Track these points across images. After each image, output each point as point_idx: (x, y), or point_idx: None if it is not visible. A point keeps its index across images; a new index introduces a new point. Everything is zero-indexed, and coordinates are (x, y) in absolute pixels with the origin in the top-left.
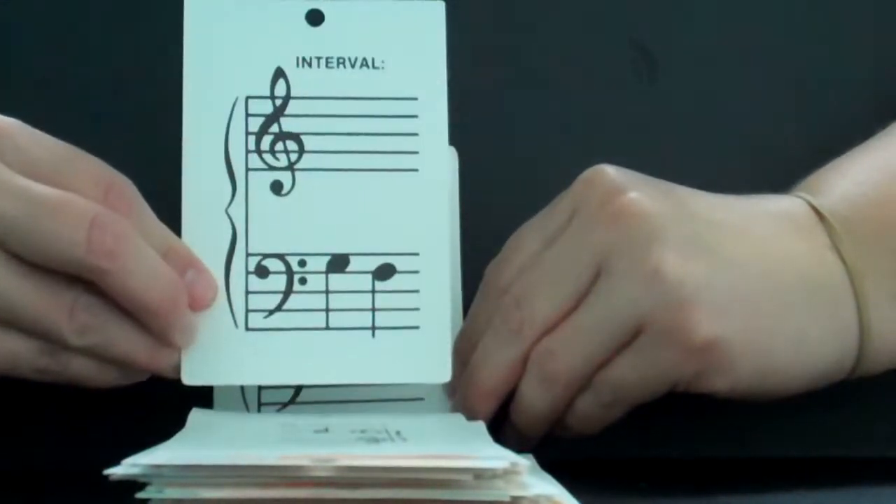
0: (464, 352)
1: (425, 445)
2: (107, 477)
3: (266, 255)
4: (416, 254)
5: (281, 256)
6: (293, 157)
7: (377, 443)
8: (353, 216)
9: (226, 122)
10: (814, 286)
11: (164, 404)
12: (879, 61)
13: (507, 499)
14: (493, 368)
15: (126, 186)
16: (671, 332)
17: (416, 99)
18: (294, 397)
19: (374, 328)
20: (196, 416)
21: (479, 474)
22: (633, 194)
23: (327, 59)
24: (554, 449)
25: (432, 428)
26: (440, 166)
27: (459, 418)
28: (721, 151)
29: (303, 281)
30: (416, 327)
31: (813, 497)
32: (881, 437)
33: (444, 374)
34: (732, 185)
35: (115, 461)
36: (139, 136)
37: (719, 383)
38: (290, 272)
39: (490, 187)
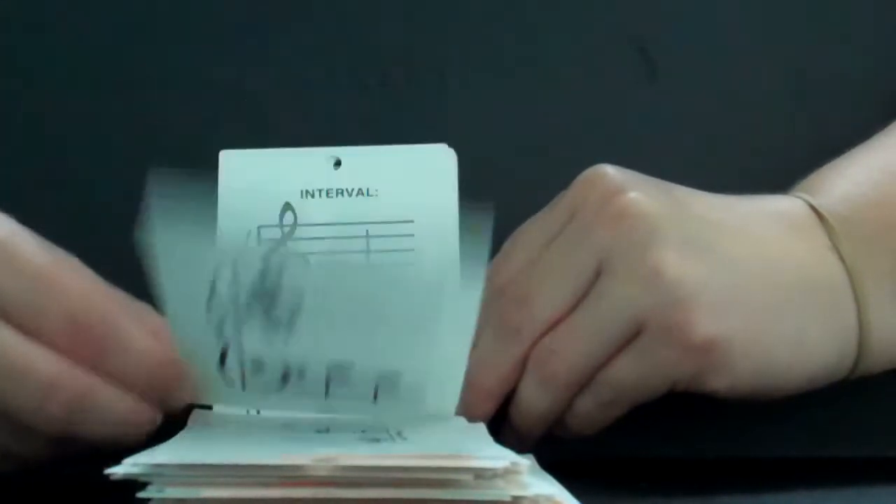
0: None
1: (426, 445)
2: (107, 476)
3: (262, 359)
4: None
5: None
6: None
7: (378, 442)
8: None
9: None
10: (813, 286)
11: None
12: (879, 61)
13: (507, 499)
14: (492, 368)
15: (98, 321)
16: (671, 331)
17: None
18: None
19: (375, 397)
20: (197, 415)
21: (480, 474)
22: (632, 194)
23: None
24: (554, 449)
25: (433, 428)
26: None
27: (460, 419)
28: (721, 151)
29: (301, 377)
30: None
31: (813, 497)
32: (881, 437)
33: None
34: (732, 185)
35: (115, 461)
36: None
37: (719, 383)
38: (287, 373)
39: (489, 187)
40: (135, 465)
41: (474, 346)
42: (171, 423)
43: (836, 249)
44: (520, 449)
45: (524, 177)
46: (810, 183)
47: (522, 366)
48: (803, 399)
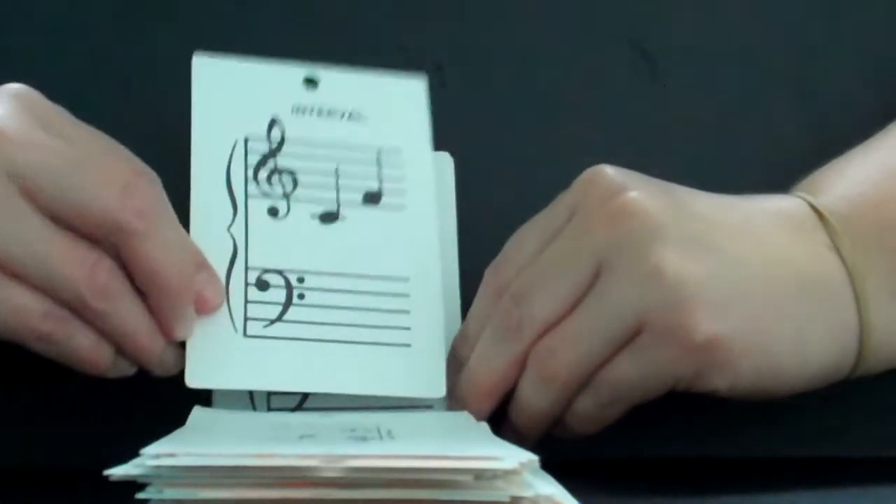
0: (462, 352)
1: (415, 444)
2: (107, 477)
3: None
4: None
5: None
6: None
7: (364, 441)
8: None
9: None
10: (814, 286)
11: (165, 404)
12: (879, 61)
13: (506, 499)
14: (492, 367)
15: (147, 185)
16: (671, 331)
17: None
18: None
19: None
20: (197, 414)
21: (479, 474)
22: (632, 193)
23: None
24: (554, 449)
25: (432, 427)
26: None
27: (466, 417)
28: (721, 151)
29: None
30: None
31: (813, 497)
32: (881, 437)
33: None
34: (732, 184)
35: (115, 461)
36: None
37: (719, 382)
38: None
39: (489, 188)
40: (134, 465)
41: (473, 346)
42: (171, 424)
43: (837, 249)
44: None
45: (524, 177)
46: (811, 182)
47: (522, 365)
48: (803, 399)
